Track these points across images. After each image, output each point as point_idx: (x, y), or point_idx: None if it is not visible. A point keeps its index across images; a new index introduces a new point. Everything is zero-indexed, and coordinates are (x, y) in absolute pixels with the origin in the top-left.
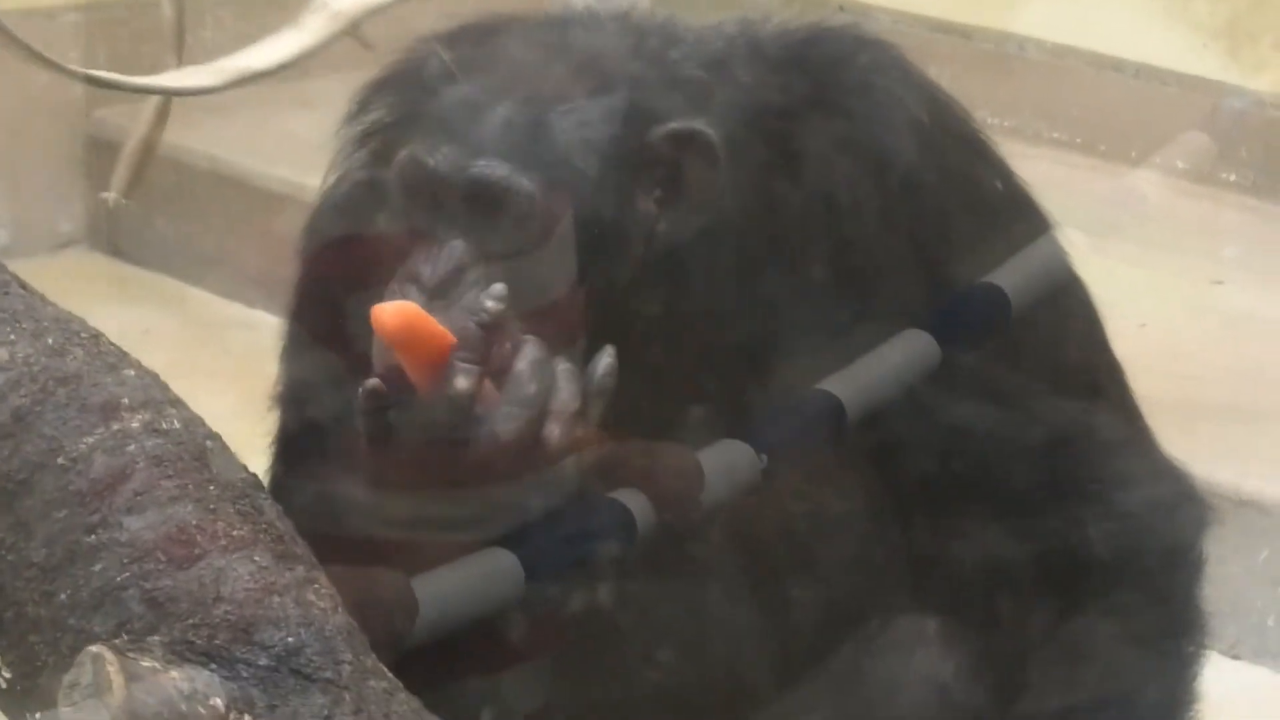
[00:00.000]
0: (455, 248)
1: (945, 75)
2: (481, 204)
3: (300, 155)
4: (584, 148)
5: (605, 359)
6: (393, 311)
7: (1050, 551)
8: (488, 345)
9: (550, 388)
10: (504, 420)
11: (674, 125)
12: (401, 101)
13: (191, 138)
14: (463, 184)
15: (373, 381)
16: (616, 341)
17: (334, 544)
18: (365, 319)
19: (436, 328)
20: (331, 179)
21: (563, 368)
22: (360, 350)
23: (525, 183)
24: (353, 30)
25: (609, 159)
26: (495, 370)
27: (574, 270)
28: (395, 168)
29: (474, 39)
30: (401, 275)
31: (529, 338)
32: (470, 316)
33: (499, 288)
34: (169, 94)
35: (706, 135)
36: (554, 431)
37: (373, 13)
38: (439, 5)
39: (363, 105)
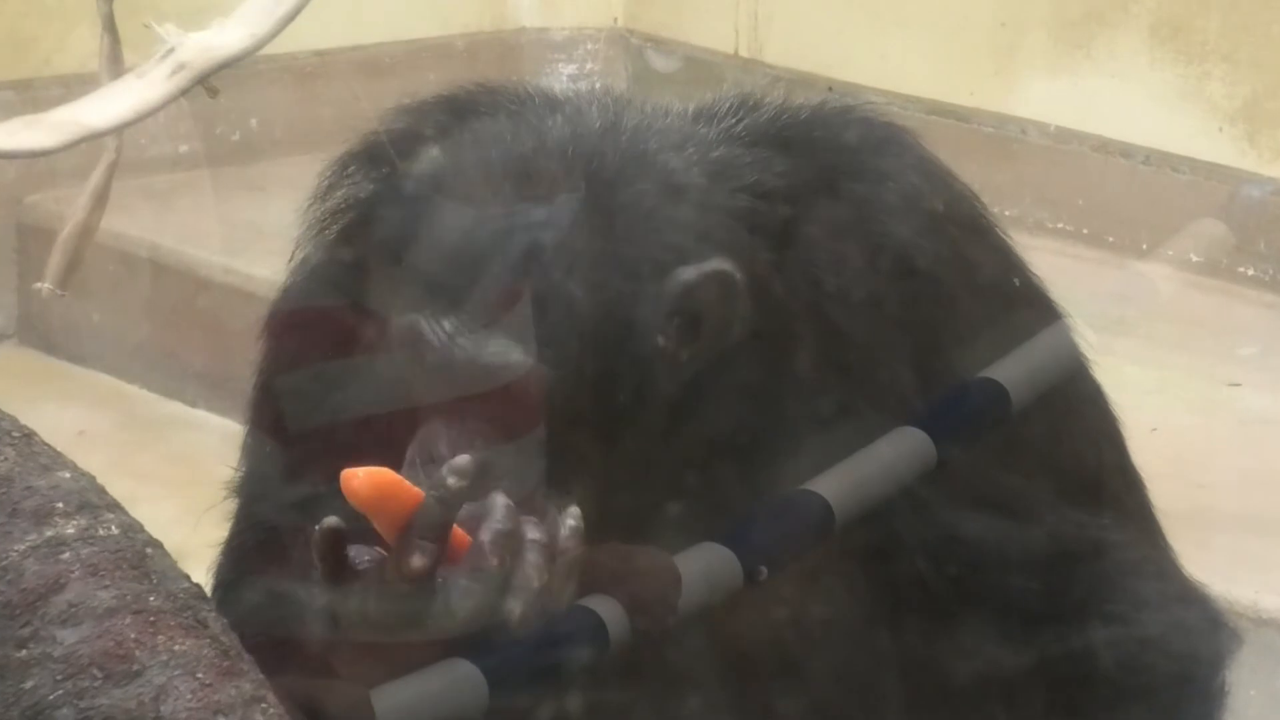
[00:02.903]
0: (468, 455)
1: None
2: (493, 384)
3: (249, 243)
4: (599, 306)
5: (570, 521)
6: (364, 479)
7: (1057, 673)
8: (447, 523)
9: (517, 556)
10: (460, 595)
11: (694, 270)
12: (377, 185)
13: (130, 224)
14: (473, 369)
15: (331, 521)
16: (592, 436)
17: (286, 651)
18: (333, 406)
19: (411, 492)
20: (299, 259)
21: (531, 537)
22: (326, 441)
23: (541, 368)
24: (201, 82)
25: (626, 311)
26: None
27: (587, 430)
28: (396, 330)
29: (452, 130)
30: (414, 453)
31: (499, 499)
32: (431, 490)
33: (464, 462)
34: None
35: (727, 273)
36: (515, 609)
37: (221, 66)
38: (418, 82)
39: (333, 183)
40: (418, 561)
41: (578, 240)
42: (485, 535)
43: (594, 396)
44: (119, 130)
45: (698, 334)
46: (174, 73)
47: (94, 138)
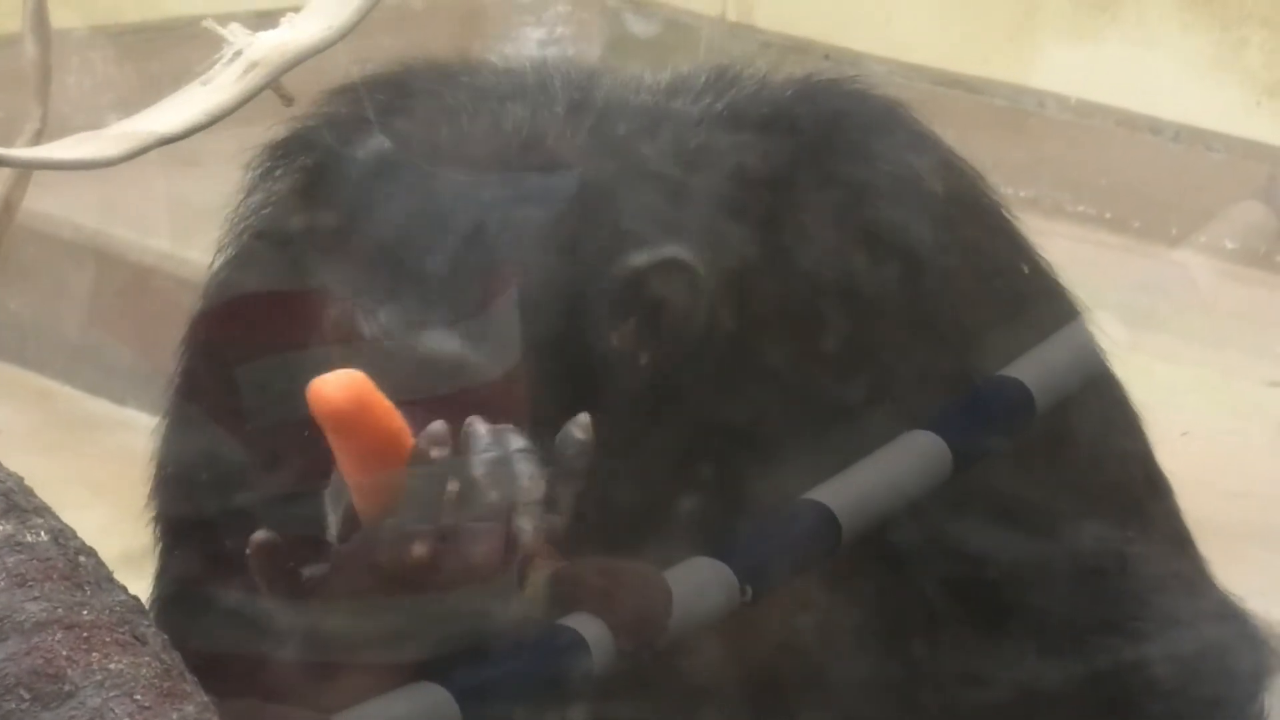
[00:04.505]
0: (440, 421)
1: (949, 137)
2: (431, 377)
3: (184, 224)
4: (546, 294)
5: (577, 433)
6: (338, 385)
7: (1081, 697)
8: (440, 498)
9: (512, 480)
10: (470, 543)
11: (646, 257)
12: (316, 167)
13: (54, 202)
14: (409, 361)
15: (261, 536)
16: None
17: (234, 672)
18: (270, 397)
19: (389, 409)
20: (232, 241)
21: (516, 446)
22: (268, 434)
23: (480, 359)
24: (273, 84)
25: (576, 302)
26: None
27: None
28: (327, 320)
29: (398, 108)
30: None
31: (476, 425)
32: (415, 470)
33: (439, 428)
34: (56, 168)
35: (684, 262)
36: (526, 528)
37: (297, 62)
38: (369, 49)
39: (268, 166)
40: (419, 549)
41: (531, 226)
42: (478, 470)
43: (545, 387)
44: (189, 135)
45: (654, 327)
46: (245, 73)
47: (163, 145)
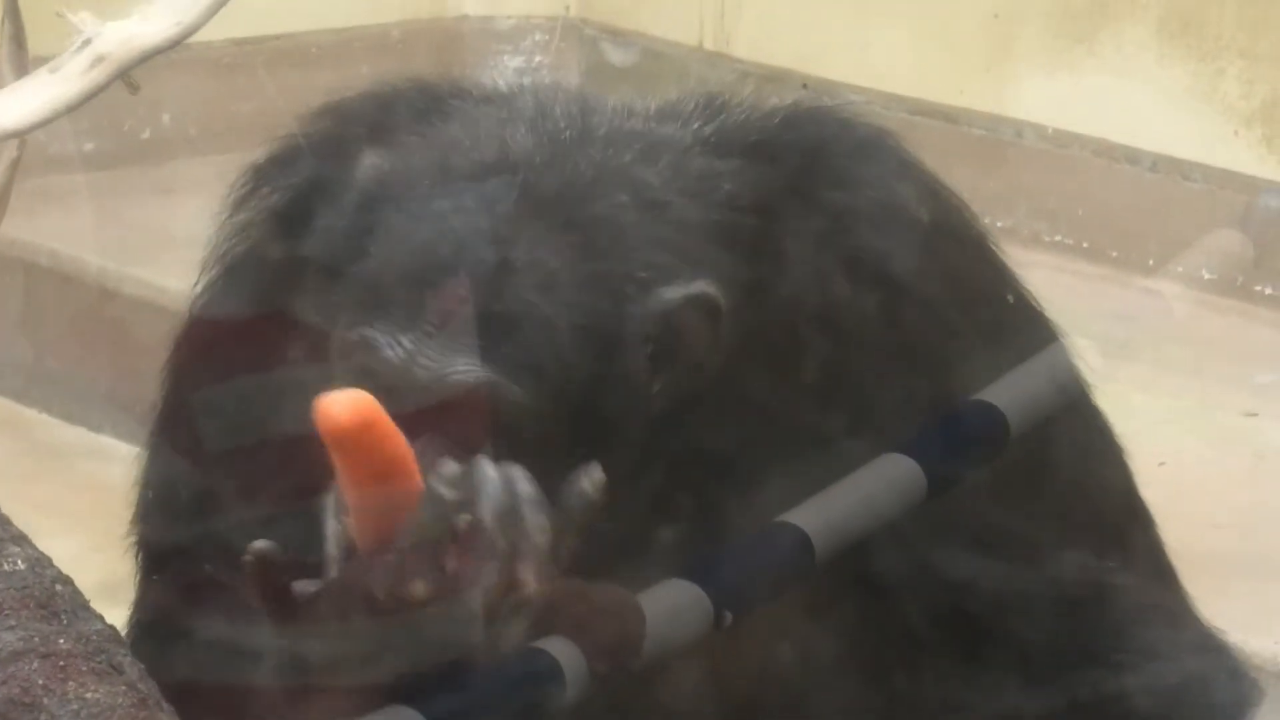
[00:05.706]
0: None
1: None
2: (455, 404)
3: (160, 251)
4: (572, 326)
5: (584, 482)
6: (347, 405)
7: None
8: (445, 536)
9: (519, 525)
10: (474, 588)
11: (677, 292)
12: (305, 187)
13: (30, 229)
14: (437, 389)
15: (260, 545)
16: (556, 460)
17: (209, 698)
18: (254, 425)
19: (394, 432)
20: (210, 276)
21: (525, 491)
22: (247, 463)
23: (514, 390)
24: (122, 76)
25: (600, 335)
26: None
27: (555, 455)
28: (342, 348)
29: (392, 128)
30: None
31: (486, 468)
32: (427, 506)
33: (453, 470)
34: None
35: (711, 298)
36: (529, 579)
37: (144, 58)
38: (348, 77)
39: (251, 187)
40: (420, 590)
41: (547, 254)
42: (487, 513)
43: (559, 419)
44: (31, 131)
45: (673, 360)
46: (92, 66)
47: (3, 139)
